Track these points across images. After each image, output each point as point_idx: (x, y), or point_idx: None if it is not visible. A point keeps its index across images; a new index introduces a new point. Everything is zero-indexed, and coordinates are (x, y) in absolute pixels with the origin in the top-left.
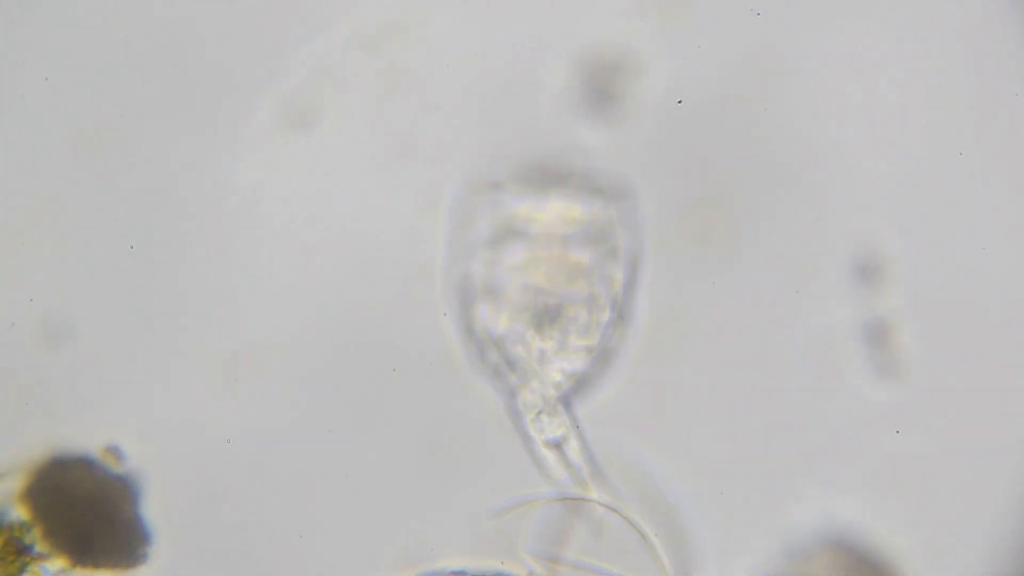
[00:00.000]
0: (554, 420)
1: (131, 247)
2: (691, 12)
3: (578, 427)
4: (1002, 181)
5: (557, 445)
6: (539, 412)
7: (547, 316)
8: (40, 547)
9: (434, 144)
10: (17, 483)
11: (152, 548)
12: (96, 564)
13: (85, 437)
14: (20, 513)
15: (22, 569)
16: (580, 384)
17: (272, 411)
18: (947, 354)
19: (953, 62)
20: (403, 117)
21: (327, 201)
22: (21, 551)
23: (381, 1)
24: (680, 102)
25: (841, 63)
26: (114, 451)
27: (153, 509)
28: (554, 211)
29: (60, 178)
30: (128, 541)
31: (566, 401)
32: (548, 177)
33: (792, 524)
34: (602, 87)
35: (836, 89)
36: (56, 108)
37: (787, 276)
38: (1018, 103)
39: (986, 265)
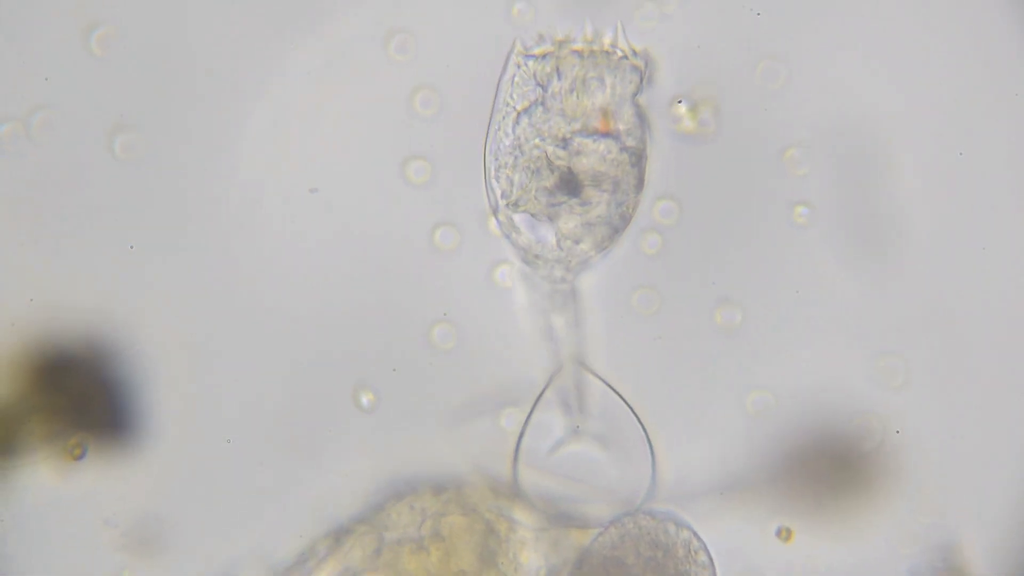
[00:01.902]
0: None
1: (131, 247)
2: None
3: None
4: (1002, 181)
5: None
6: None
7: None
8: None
9: (435, 143)
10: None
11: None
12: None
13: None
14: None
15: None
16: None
17: (272, 410)
18: (947, 353)
19: (953, 63)
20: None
21: (327, 201)
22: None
23: (380, 2)
24: (680, 101)
25: (840, 65)
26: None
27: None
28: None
29: (60, 179)
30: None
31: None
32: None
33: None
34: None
35: (835, 90)
36: (56, 109)
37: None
38: (1018, 103)
39: (986, 265)
